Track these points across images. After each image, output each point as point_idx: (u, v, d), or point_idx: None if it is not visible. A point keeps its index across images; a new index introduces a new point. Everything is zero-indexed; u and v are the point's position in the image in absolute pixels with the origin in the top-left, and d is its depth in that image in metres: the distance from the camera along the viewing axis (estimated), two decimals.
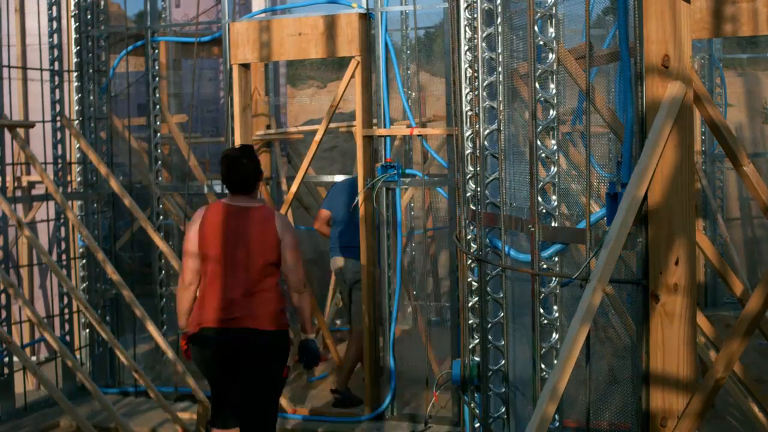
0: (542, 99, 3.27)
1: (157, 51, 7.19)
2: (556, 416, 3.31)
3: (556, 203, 3.31)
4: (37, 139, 6.93)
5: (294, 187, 6.48)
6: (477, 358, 4.11)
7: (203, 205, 4.76)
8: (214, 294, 4.43)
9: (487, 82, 3.89)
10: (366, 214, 6.11)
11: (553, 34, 3.27)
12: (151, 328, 6.01)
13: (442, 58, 6.16)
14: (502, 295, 3.81)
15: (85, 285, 7.17)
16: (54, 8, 7.13)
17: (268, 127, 8.39)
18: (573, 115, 4.70)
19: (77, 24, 7.13)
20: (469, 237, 4.16)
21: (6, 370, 6.39)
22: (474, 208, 4.02)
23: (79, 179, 7.19)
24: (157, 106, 7.11)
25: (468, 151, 4.15)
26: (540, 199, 3.29)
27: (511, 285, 3.78)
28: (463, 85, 4.19)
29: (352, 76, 6.08)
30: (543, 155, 3.29)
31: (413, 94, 8.17)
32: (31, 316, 5.63)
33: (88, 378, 5.65)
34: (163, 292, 7.23)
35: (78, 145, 7.05)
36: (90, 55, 7.15)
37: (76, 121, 7.14)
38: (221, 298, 4.40)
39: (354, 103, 6.18)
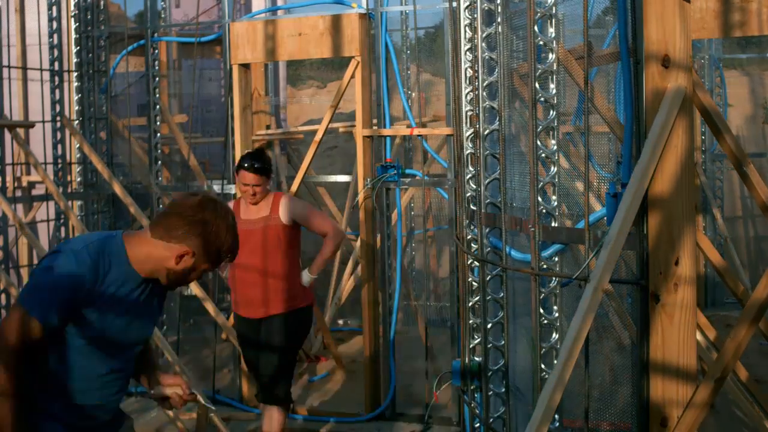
0: (542, 99, 3.27)
1: (157, 51, 7.19)
2: (557, 416, 3.31)
3: (556, 203, 3.31)
4: (37, 139, 6.93)
5: (294, 187, 6.48)
6: (477, 358, 4.11)
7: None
8: None
9: (487, 82, 3.89)
10: (366, 214, 6.11)
11: (553, 34, 3.27)
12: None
13: (442, 58, 6.16)
14: (502, 295, 3.81)
15: None
16: (54, 8, 7.13)
17: (268, 127, 8.39)
18: (573, 115, 4.70)
19: (77, 24, 7.14)
20: (469, 237, 4.16)
21: None
22: (474, 208, 4.02)
23: (79, 179, 7.19)
24: (157, 106, 7.11)
25: (468, 152, 4.15)
26: (540, 199, 3.29)
27: (512, 285, 3.78)
28: (463, 85, 4.19)
29: (352, 76, 6.08)
30: (543, 155, 3.29)
31: (413, 94, 8.17)
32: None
33: None
34: None
35: (78, 146, 7.05)
36: (90, 55, 7.15)
37: (76, 122, 7.14)
38: None
39: (354, 103, 6.18)
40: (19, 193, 8.08)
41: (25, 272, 7.96)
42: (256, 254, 4.95)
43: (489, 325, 3.89)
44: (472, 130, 4.10)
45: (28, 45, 8.13)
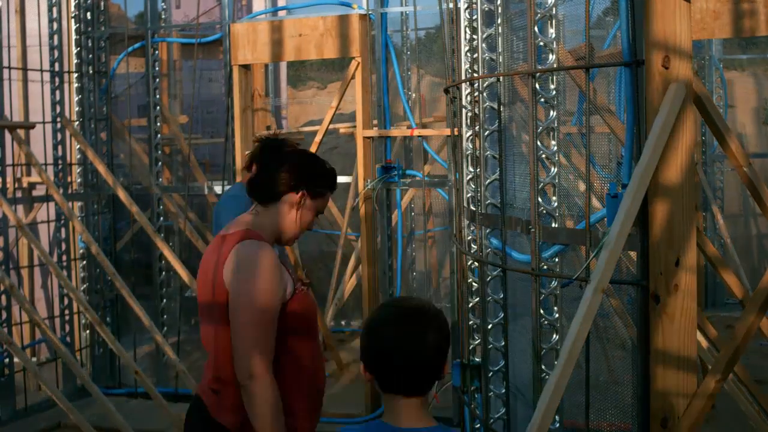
0: (542, 100, 3.27)
1: (157, 52, 7.20)
2: (557, 417, 3.31)
3: (556, 204, 3.31)
4: (37, 140, 6.93)
5: None
6: (478, 359, 4.11)
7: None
8: None
9: (487, 82, 3.89)
10: (366, 214, 6.11)
11: (554, 35, 3.27)
12: (152, 329, 6.01)
13: (442, 58, 6.17)
14: (502, 296, 3.81)
15: (85, 286, 7.17)
16: (54, 9, 7.13)
17: (269, 128, 8.40)
18: (574, 116, 4.70)
19: (77, 25, 7.14)
20: (469, 238, 4.16)
21: (6, 371, 6.39)
22: (474, 209, 4.02)
23: (79, 180, 7.19)
24: (158, 107, 7.11)
25: (468, 152, 4.15)
26: (540, 199, 3.29)
27: (512, 286, 3.78)
28: (464, 85, 4.19)
29: (353, 77, 6.08)
30: (543, 156, 3.29)
31: (413, 94, 8.18)
32: (34, 317, 5.63)
33: (89, 379, 5.65)
34: (163, 293, 7.23)
35: (78, 146, 7.05)
36: (90, 56, 7.15)
37: (77, 123, 7.15)
38: None
39: (354, 104, 6.19)
40: (19, 194, 8.07)
41: (25, 273, 7.96)
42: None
43: (489, 326, 3.89)
44: (471, 131, 4.10)
45: (29, 46, 8.13)
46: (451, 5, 4.38)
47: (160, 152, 7.13)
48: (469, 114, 4.14)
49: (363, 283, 6.16)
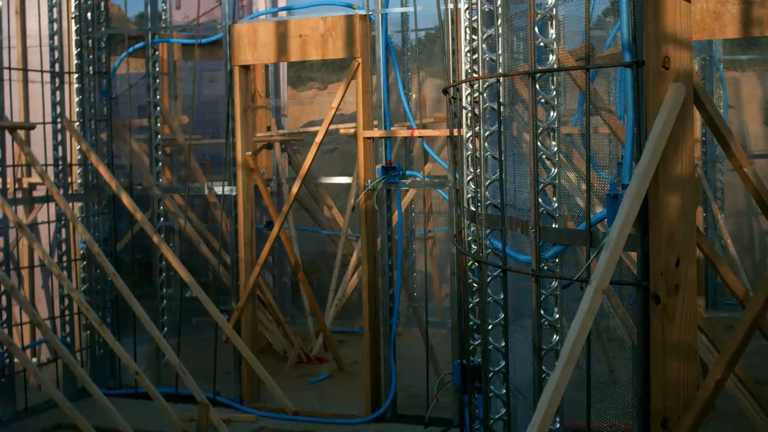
0: (543, 100, 3.27)
1: (157, 52, 7.19)
2: (557, 417, 3.31)
3: (556, 204, 3.31)
4: (37, 140, 6.92)
5: (295, 189, 6.48)
6: (478, 359, 4.11)
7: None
8: None
9: (487, 83, 3.89)
10: (367, 215, 6.11)
11: (554, 36, 3.27)
12: (152, 329, 6.00)
13: (443, 59, 6.17)
14: (502, 297, 3.81)
15: (85, 286, 7.17)
16: (54, 10, 7.13)
17: (269, 128, 8.40)
18: (574, 116, 4.70)
19: (78, 26, 7.13)
20: (469, 238, 4.16)
21: (7, 372, 6.38)
22: (474, 209, 4.02)
23: (79, 181, 7.19)
24: (158, 108, 7.11)
25: (468, 153, 4.15)
26: (540, 200, 3.29)
27: (512, 286, 3.78)
28: (464, 86, 4.19)
29: (353, 78, 6.08)
30: (543, 156, 3.29)
31: (414, 95, 8.18)
32: (34, 317, 5.63)
33: (89, 380, 5.65)
34: (163, 294, 7.23)
35: (78, 147, 7.05)
36: (90, 56, 7.15)
37: (77, 123, 7.14)
38: None
39: (355, 105, 6.19)
40: (19, 195, 8.07)
41: (26, 273, 7.96)
42: None
43: (489, 326, 3.89)
44: (472, 131, 4.10)
45: (29, 47, 8.12)
46: (451, 6, 4.38)
47: (160, 153, 7.14)
48: (470, 114, 4.14)
49: (363, 283, 6.16)
